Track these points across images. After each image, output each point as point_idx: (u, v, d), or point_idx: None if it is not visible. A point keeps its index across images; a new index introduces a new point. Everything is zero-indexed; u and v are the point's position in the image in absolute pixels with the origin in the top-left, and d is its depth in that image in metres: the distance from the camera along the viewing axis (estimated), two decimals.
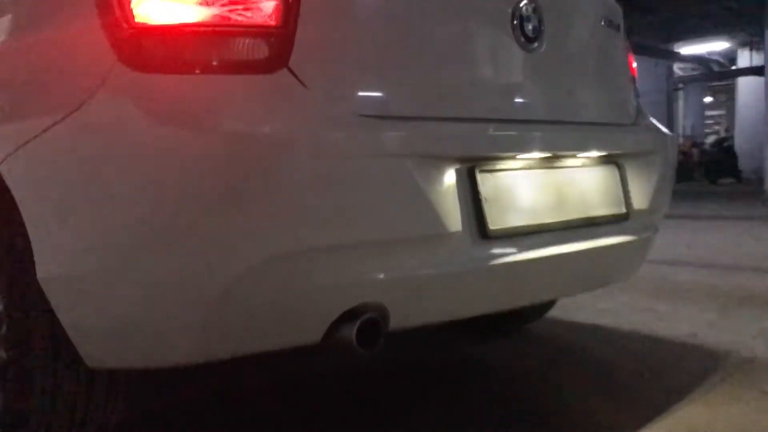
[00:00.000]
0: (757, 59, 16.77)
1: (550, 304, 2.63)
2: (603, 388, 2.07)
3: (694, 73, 18.62)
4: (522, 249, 1.49)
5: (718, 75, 18.96)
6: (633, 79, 2.03)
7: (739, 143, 17.46)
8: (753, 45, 16.65)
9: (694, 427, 1.75)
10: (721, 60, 18.48)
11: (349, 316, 1.31)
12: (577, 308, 3.04)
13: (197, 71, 1.22)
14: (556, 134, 1.60)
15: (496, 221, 1.45)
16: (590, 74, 1.83)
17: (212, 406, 1.99)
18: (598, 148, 1.68)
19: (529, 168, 1.56)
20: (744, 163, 16.51)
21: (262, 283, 1.23)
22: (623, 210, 1.76)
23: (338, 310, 1.30)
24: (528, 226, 1.51)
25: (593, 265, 1.72)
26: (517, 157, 1.52)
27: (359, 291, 1.32)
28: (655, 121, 2.03)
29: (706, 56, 18.20)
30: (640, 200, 1.82)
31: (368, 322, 1.31)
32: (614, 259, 1.79)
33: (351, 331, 1.30)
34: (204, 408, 1.98)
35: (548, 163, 1.60)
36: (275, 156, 1.17)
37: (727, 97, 23.71)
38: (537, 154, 1.55)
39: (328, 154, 1.22)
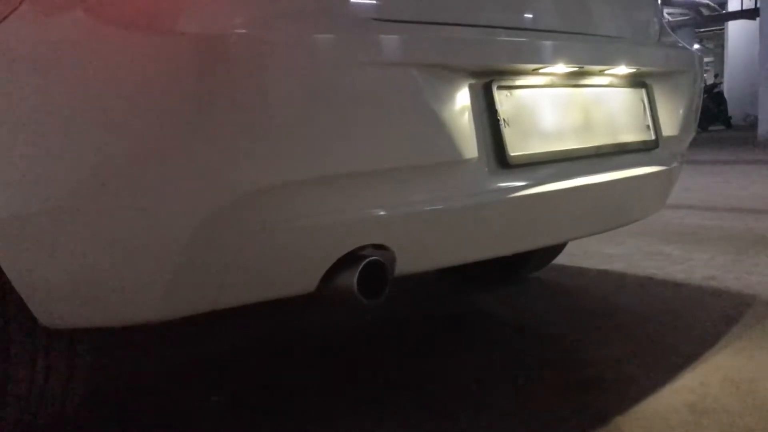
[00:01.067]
0: (748, 2, 16.45)
1: (558, 249, 2.45)
2: (626, 337, 1.89)
3: (684, 18, 18.27)
4: (547, 179, 1.28)
5: (709, 19, 18.61)
6: None
7: (729, 90, 17.25)
8: None
9: (730, 374, 1.58)
10: (712, 3, 18.13)
11: (349, 260, 1.10)
12: (584, 254, 2.87)
13: None
14: (579, 45, 1.38)
15: (516, 147, 1.23)
16: None
17: (201, 373, 1.79)
18: (625, 62, 1.46)
19: (552, 86, 1.34)
20: (734, 110, 16.32)
21: (242, 223, 1.01)
22: (652, 136, 1.56)
23: (336, 254, 1.10)
24: (553, 153, 1.30)
25: (622, 198, 1.51)
26: (539, 71, 1.30)
27: (359, 231, 1.11)
28: (680, 41, 1.80)
29: (696, 0, 17.84)
30: (669, 126, 1.61)
31: (371, 267, 1.11)
32: (643, 192, 1.59)
33: (352, 278, 1.09)
34: (193, 375, 1.78)
35: (572, 80, 1.38)
36: (253, 63, 0.95)
37: (715, 44, 23.41)
38: (560, 68, 1.33)
39: (317, 61, 1.00)
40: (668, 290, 2.35)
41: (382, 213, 1.11)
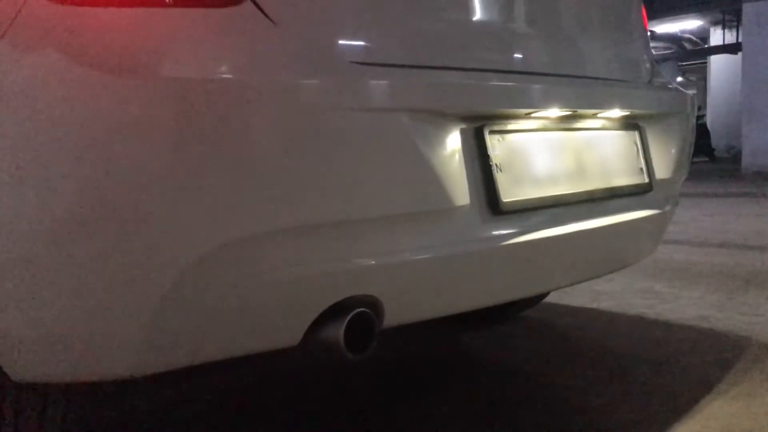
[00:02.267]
0: (729, 37, 16.71)
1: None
2: (619, 382, 1.83)
3: (667, 52, 18.51)
4: (540, 226, 1.24)
5: (692, 53, 18.87)
6: (646, 35, 1.78)
7: (712, 122, 17.45)
8: (726, 23, 16.57)
9: (728, 425, 1.53)
10: (694, 38, 18.39)
11: (335, 312, 1.05)
12: (573, 291, 2.83)
13: (136, 3, 0.94)
14: (571, 89, 1.35)
15: (509, 193, 1.19)
16: (602, 27, 1.58)
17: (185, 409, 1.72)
18: (619, 105, 1.43)
19: (545, 129, 1.30)
20: (717, 142, 16.48)
21: (220, 276, 0.96)
22: (646, 179, 1.52)
23: (320, 307, 1.04)
24: (546, 198, 1.25)
25: (615, 243, 1.47)
26: (532, 115, 1.26)
27: (346, 282, 1.06)
28: (672, 82, 1.78)
29: (679, 35, 18.09)
30: (662, 168, 1.58)
31: (358, 319, 1.05)
32: (636, 237, 1.55)
33: (338, 332, 1.04)
34: (181, 410, 1.72)
35: (565, 124, 1.35)
36: (233, 109, 0.90)
37: (698, 76, 23.73)
38: (553, 112, 1.29)
39: (302, 107, 0.95)
40: (660, 331, 2.31)
41: (369, 262, 1.06)
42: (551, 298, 2.58)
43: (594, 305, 2.65)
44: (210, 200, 0.92)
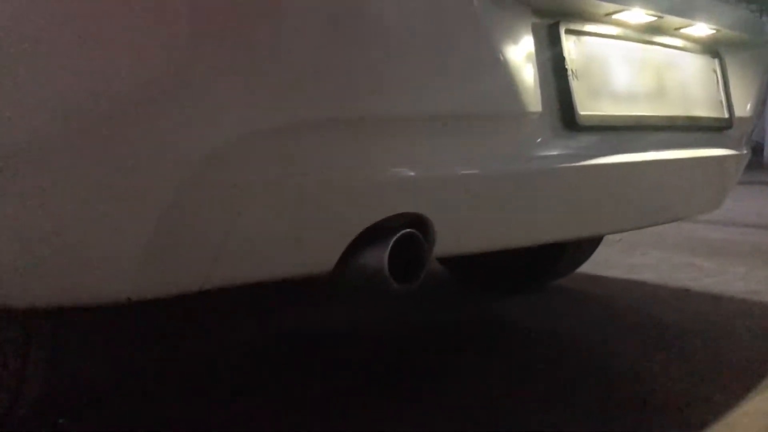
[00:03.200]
0: None
1: (588, 253, 2.22)
2: (669, 351, 1.65)
3: None
4: (618, 148, 1.05)
5: None
6: None
7: None
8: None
9: None
10: None
11: (378, 233, 0.87)
12: (606, 264, 2.64)
13: None
14: None
15: (586, 105, 1.00)
16: None
17: (186, 374, 1.54)
18: (703, 18, 1.23)
19: (625, 39, 1.11)
20: None
21: (242, 178, 0.77)
22: (726, 114, 1.33)
23: (360, 225, 0.86)
24: (625, 118, 1.07)
25: (690, 183, 1.28)
26: (612, 16, 1.07)
27: (392, 195, 0.87)
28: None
29: None
30: (741, 105, 1.39)
31: (405, 242, 0.87)
32: (710, 180, 1.36)
33: (381, 256, 0.85)
34: (180, 377, 1.53)
35: (646, 35, 1.15)
36: None
37: None
38: (635, 15, 1.09)
39: None
40: (708, 303, 2.11)
41: (420, 174, 0.87)
42: (583, 268, 2.39)
43: (632, 276, 2.47)
44: (227, 83, 0.74)
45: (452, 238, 0.92)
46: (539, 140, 0.95)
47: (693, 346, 1.68)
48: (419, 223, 0.89)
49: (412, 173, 0.86)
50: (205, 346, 1.69)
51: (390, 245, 0.85)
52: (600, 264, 2.58)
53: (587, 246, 2.10)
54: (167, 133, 0.75)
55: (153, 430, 1.22)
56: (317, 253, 0.86)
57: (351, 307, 2.04)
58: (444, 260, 2.23)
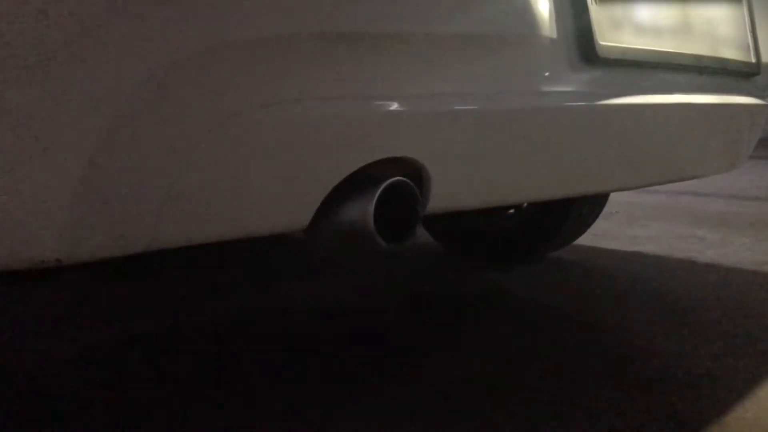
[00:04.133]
0: None
1: (589, 222, 2.10)
2: (687, 325, 1.52)
3: None
4: (640, 88, 0.90)
5: None
6: None
7: None
8: None
9: None
10: None
11: (362, 182, 0.72)
12: (604, 235, 2.52)
13: None
14: None
15: (606, 35, 0.86)
16: None
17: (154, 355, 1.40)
18: None
19: None
20: None
21: (190, 110, 0.63)
22: (753, 59, 1.19)
23: (340, 172, 0.71)
24: (649, 52, 0.92)
25: (717, 133, 1.14)
26: None
27: (378, 135, 0.72)
28: None
29: None
30: None
31: (395, 192, 0.72)
32: (737, 131, 1.22)
33: (366, 209, 0.71)
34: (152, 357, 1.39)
35: None
36: None
37: None
38: None
39: None
40: (717, 274, 1.99)
41: (412, 109, 0.73)
42: (582, 240, 2.26)
43: (634, 248, 2.34)
44: None
45: (450, 189, 0.78)
46: (552, 73, 0.81)
47: (708, 318, 1.56)
48: (411, 170, 0.74)
49: (403, 108, 0.71)
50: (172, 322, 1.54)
51: (376, 196, 0.71)
52: (599, 236, 2.46)
53: (588, 213, 1.97)
54: (87, 71, 0.60)
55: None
56: (287, 206, 0.71)
57: (335, 280, 1.90)
58: (433, 229, 2.09)
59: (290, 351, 1.36)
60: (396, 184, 0.72)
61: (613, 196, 2.44)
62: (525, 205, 1.95)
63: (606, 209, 2.25)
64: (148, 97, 0.61)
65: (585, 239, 2.29)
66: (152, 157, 0.64)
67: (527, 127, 0.80)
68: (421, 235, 2.18)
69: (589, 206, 1.88)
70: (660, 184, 1.14)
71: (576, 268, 2.07)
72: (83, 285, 1.80)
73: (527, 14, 0.75)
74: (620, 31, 0.88)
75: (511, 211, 2.00)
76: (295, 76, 0.65)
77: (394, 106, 0.71)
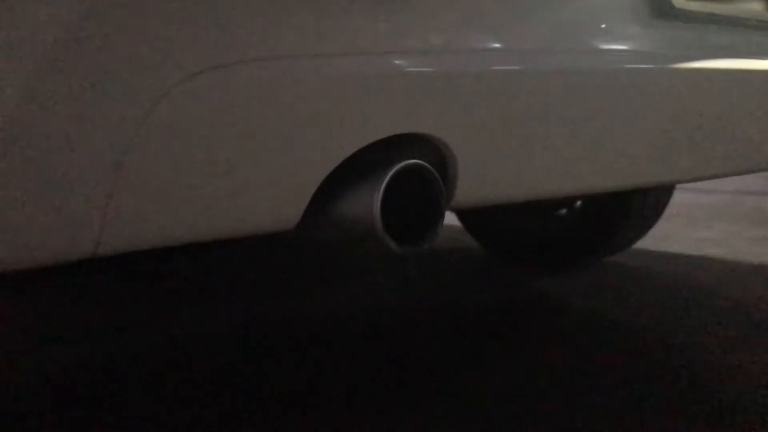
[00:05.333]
0: None
1: (647, 227, 1.90)
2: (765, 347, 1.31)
3: None
4: (726, 49, 0.71)
5: None
6: None
7: None
8: None
9: None
10: None
11: (366, 167, 0.55)
12: (665, 238, 2.30)
13: None
14: None
15: None
16: None
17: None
18: None
19: None
20: None
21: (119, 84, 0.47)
22: None
23: (338, 152, 0.55)
24: (738, 7, 0.73)
25: None
26: None
27: (388, 104, 0.55)
28: None
29: None
30: None
31: (410, 179, 0.56)
32: None
33: (370, 202, 0.54)
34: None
35: None
36: None
37: None
38: None
39: None
40: None
41: (431, 68, 0.56)
42: (641, 244, 2.06)
43: (699, 252, 2.12)
44: None
45: (483, 177, 0.60)
46: (615, 29, 0.63)
47: None
48: (430, 151, 0.57)
49: (419, 67, 0.54)
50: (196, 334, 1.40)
51: (384, 185, 0.54)
52: (659, 239, 2.24)
53: (650, 213, 1.77)
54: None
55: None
56: (266, 201, 0.55)
57: (363, 282, 1.74)
58: (473, 228, 1.91)
59: (316, 363, 1.20)
60: (410, 169, 0.55)
61: None
62: (579, 203, 1.75)
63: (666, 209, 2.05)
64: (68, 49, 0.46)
65: (644, 242, 2.08)
66: (87, 147, 0.49)
67: (583, 95, 0.62)
68: (461, 234, 2.00)
69: (652, 204, 1.68)
70: (750, 172, 0.94)
71: (637, 275, 1.87)
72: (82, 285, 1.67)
73: None
74: None
75: (563, 210, 1.81)
76: (269, 23, 0.49)
77: (407, 64, 0.54)
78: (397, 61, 0.54)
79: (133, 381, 1.15)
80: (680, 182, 0.86)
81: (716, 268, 1.93)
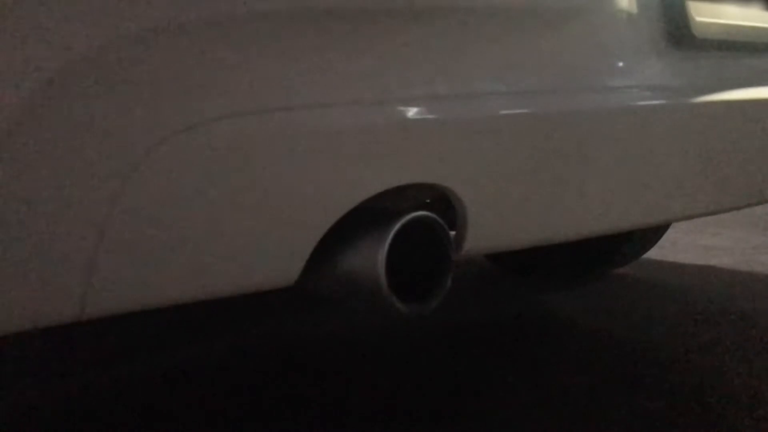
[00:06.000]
0: None
1: (657, 237, 1.86)
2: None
3: None
4: (749, 78, 0.67)
5: None
6: None
7: None
8: None
9: None
10: None
11: (370, 218, 0.52)
12: (673, 246, 2.27)
13: None
14: None
15: (702, 9, 0.63)
16: None
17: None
18: None
19: None
20: None
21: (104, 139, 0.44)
22: None
23: (341, 205, 0.51)
24: (753, 30, 0.69)
25: None
26: None
27: (394, 153, 0.52)
28: None
29: None
30: None
31: (417, 232, 0.52)
32: None
33: (375, 256, 0.51)
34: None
35: None
36: None
37: None
38: None
39: None
40: None
41: (437, 115, 0.52)
42: (649, 252, 2.02)
43: (709, 262, 2.08)
44: None
45: (494, 226, 0.56)
46: (629, 60, 0.59)
47: None
48: (438, 200, 0.54)
49: (426, 114, 0.51)
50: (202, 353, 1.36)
51: (389, 239, 0.50)
52: (666, 248, 2.20)
53: (658, 226, 1.73)
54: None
55: None
56: (264, 257, 0.51)
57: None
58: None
59: (319, 386, 1.16)
60: (417, 221, 0.51)
61: None
62: None
63: None
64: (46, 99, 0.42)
65: (651, 251, 2.04)
66: (67, 206, 0.46)
67: (601, 136, 0.59)
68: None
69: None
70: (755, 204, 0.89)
71: (645, 287, 1.83)
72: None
73: None
74: (718, 5, 0.66)
75: None
76: (270, 74, 0.46)
77: (413, 111, 0.50)
78: (399, 109, 0.50)
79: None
80: (704, 215, 0.82)
81: (726, 280, 1.89)
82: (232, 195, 0.47)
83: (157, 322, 1.55)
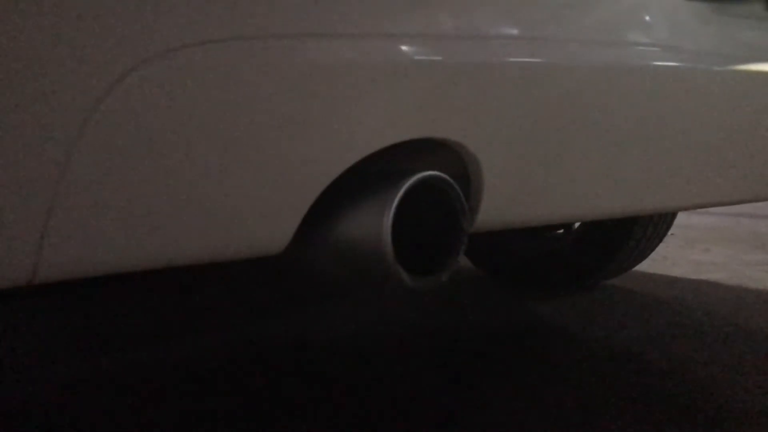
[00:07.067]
0: None
1: (647, 250, 1.81)
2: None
3: None
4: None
5: None
6: None
7: None
8: None
9: None
10: None
11: (372, 179, 0.44)
12: (664, 260, 2.22)
13: None
14: None
15: None
16: None
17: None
18: None
19: None
20: None
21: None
22: None
23: (338, 162, 0.43)
24: None
25: None
26: None
27: (400, 102, 0.44)
28: None
29: None
30: None
31: (427, 194, 0.45)
32: None
33: (378, 223, 0.43)
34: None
35: None
36: None
37: None
38: None
39: None
40: None
41: (453, 59, 0.45)
42: (639, 267, 1.97)
43: (700, 277, 2.03)
44: None
45: (514, 195, 0.49)
46: (671, 19, 0.53)
47: None
48: (451, 161, 0.47)
49: (440, 56, 0.44)
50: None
51: (395, 203, 0.43)
52: (658, 261, 2.16)
53: (653, 235, 1.68)
54: None
55: None
56: (247, 219, 0.43)
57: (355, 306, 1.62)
58: (469, 249, 1.80)
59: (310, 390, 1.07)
60: (427, 182, 0.44)
61: None
62: (577, 224, 1.66)
63: None
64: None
65: (642, 265, 2.00)
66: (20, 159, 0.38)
67: (637, 100, 0.52)
68: None
69: (657, 225, 1.59)
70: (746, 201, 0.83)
71: (637, 299, 1.77)
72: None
73: None
74: None
75: (561, 230, 1.71)
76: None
77: (422, 51, 0.43)
78: (409, 47, 0.43)
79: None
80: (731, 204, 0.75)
81: (716, 294, 1.84)
82: (209, 141, 0.39)
83: (156, 322, 1.46)
